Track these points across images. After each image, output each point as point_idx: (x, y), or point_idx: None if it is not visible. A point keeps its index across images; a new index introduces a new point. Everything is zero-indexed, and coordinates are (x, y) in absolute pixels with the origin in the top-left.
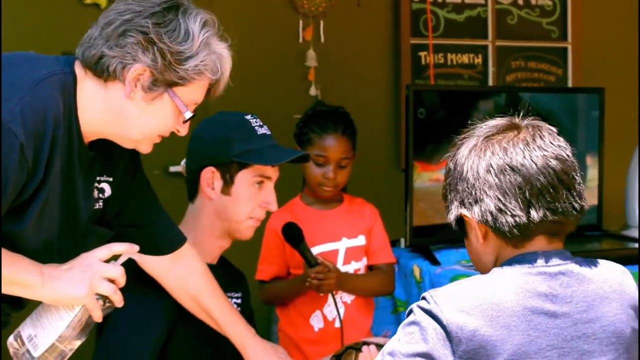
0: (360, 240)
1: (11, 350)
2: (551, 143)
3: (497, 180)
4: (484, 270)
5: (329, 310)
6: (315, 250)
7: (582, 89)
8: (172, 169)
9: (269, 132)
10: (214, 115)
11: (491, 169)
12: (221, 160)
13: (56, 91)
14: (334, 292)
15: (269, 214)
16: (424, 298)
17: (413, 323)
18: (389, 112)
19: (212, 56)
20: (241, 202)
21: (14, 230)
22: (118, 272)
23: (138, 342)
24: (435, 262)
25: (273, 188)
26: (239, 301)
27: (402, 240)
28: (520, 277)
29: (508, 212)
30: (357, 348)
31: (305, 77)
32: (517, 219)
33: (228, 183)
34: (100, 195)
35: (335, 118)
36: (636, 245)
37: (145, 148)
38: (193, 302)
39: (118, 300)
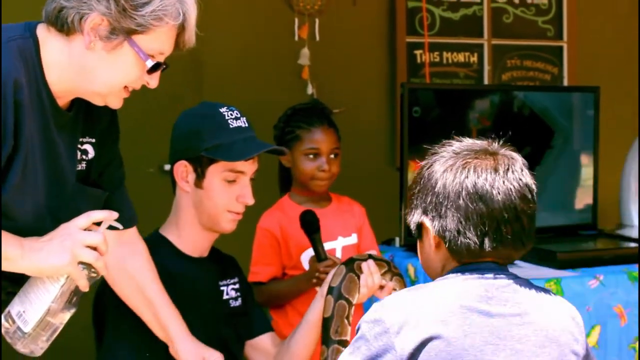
0: (354, 239)
1: (2, 330)
2: (520, 179)
3: (464, 204)
4: (432, 274)
5: None
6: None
7: (577, 87)
8: (167, 167)
9: (245, 125)
10: (194, 106)
11: (462, 192)
12: (192, 154)
13: (14, 57)
14: None
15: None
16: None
17: (360, 338)
18: (384, 111)
19: (171, 0)
20: (214, 196)
21: None
22: (99, 239)
23: (150, 342)
24: None
25: (248, 182)
26: (236, 286)
27: (397, 239)
28: (460, 282)
29: (465, 236)
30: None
31: (301, 76)
32: (471, 244)
33: (200, 177)
34: (84, 157)
35: (318, 112)
36: (631, 244)
37: (114, 102)
38: (130, 281)
39: (102, 267)
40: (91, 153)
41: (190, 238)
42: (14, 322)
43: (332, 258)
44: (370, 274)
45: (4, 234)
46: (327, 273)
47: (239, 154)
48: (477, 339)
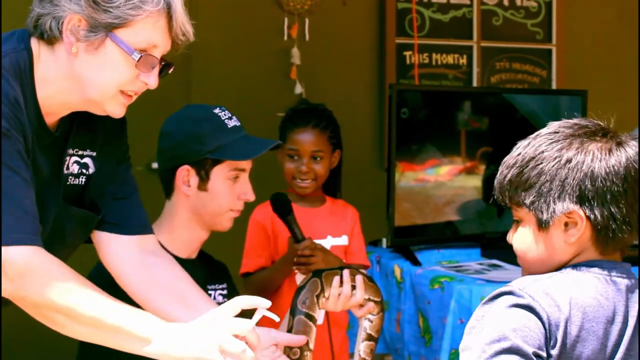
0: (344, 240)
1: None
2: None
3: (622, 187)
4: (542, 268)
5: None
6: None
7: (565, 91)
8: (155, 165)
9: (238, 124)
10: (179, 110)
11: (623, 175)
12: (194, 158)
13: (10, 75)
14: None
15: (250, 205)
16: (511, 293)
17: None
18: (372, 111)
19: None
20: (219, 196)
21: None
22: (247, 328)
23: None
24: (416, 262)
25: (248, 179)
26: (224, 292)
27: (384, 240)
28: (601, 284)
29: (621, 218)
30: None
31: (289, 75)
32: (628, 227)
33: (204, 180)
34: (83, 171)
35: (310, 113)
36: None
37: (113, 109)
38: (165, 293)
39: None
40: (92, 167)
41: (182, 239)
42: None
43: (311, 239)
44: (349, 283)
45: (129, 309)
46: (304, 255)
47: (246, 153)
48: (609, 351)
